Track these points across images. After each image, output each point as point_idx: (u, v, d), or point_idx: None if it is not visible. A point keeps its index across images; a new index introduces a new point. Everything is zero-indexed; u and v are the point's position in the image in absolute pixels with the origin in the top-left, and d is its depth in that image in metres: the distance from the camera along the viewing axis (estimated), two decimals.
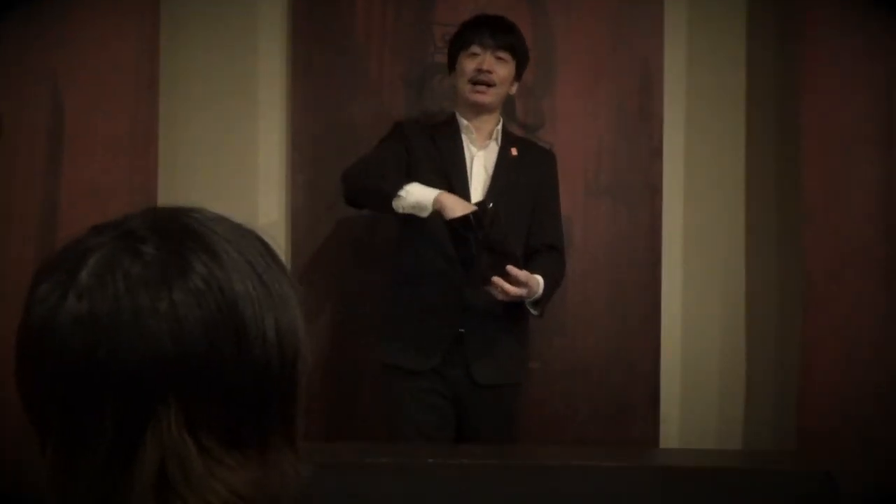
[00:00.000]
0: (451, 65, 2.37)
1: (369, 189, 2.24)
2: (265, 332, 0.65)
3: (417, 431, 2.22)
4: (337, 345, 2.66)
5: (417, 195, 2.15)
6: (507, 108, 2.65)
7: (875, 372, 2.43)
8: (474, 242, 2.08)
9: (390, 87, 2.72)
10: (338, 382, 2.66)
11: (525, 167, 2.36)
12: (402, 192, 2.15)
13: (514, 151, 2.36)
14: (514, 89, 2.38)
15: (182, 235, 0.66)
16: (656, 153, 2.72)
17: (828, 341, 2.46)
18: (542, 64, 2.72)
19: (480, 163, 2.34)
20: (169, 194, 2.56)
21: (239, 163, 2.76)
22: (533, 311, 2.27)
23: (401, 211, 2.17)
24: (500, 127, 2.37)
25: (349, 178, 2.28)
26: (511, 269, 2.12)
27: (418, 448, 2.03)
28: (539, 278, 2.21)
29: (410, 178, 2.20)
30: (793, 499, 1.57)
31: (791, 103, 2.64)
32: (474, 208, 2.10)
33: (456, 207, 2.10)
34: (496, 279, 2.12)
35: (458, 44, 2.34)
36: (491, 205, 2.13)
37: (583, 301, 2.66)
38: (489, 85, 2.28)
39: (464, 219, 2.08)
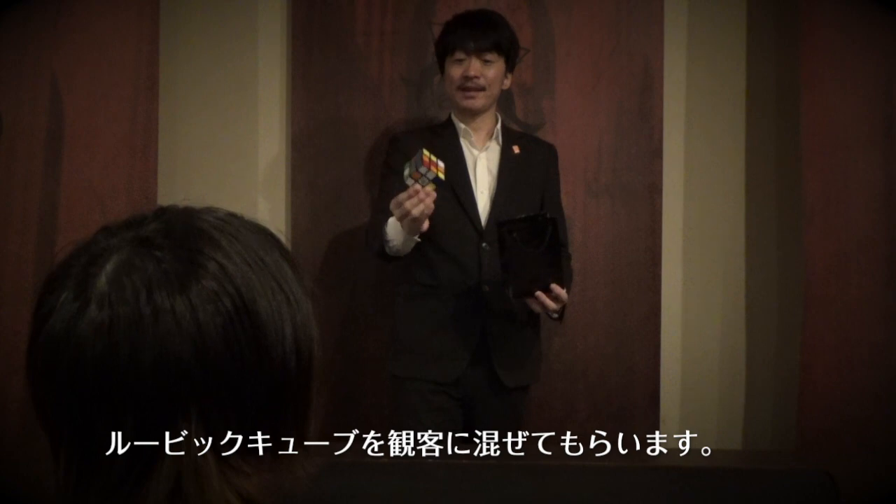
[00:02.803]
0: (441, 68, 2.32)
1: (376, 255, 2.25)
2: (284, 334, 0.65)
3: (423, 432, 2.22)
4: (337, 344, 2.66)
5: (395, 233, 2.13)
6: (507, 107, 2.65)
7: (875, 372, 2.43)
8: (524, 251, 2.04)
9: (390, 87, 2.72)
10: (338, 382, 2.66)
11: (529, 164, 2.32)
12: (390, 243, 2.14)
13: (516, 149, 2.31)
14: (508, 83, 2.32)
15: (196, 239, 0.65)
16: (656, 153, 2.72)
17: (828, 341, 2.46)
18: (542, 64, 2.72)
19: (483, 164, 2.29)
20: (169, 194, 2.56)
21: (239, 163, 2.76)
22: (553, 316, 2.22)
23: (412, 245, 2.15)
24: (499, 126, 2.32)
25: (366, 244, 2.31)
26: (556, 287, 2.09)
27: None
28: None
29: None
30: (793, 499, 1.57)
31: (791, 103, 2.64)
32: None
33: (411, 214, 2.02)
34: (540, 294, 2.08)
35: (442, 48, 2.28)
36: (549, 215, 2.08)
37: (583, 301, 2.66)
38: (479, 89, 2.23)
39: (522, 227, 2.04)
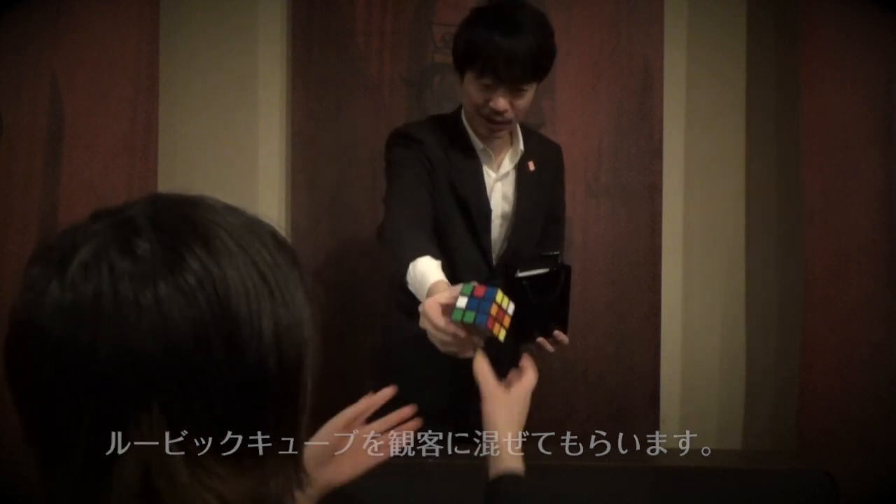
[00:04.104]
0: (457, 65, 1.93)
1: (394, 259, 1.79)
2: (261, 332, 0.62)
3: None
4: (337, 344, 2.66)
5: (417, 289, 1.65)
6: None
7: (875, 372, 2.43)
8: (534, 302, 1.81)
9: (390, 87, 2.72)
10: (337, 383, 2.66)
11: (543, 180, 2.10)
12: (409, 277, 1.67)
13: (531, 166, 2.04)
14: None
15: (182, 228, 0.63)
16: (656, 153, 2.72)
17: (828, 341, 2.46)
18: None
19: (499, 190, 2.03)
20: None
21: (239, 163, 2.76)
22: None
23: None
24: (521, 147, 2.02)
25: (383, 245, 1.90)
26: (559, 334, 1.86)
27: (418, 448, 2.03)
28: None
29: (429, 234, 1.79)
30: (793, 499, 1.57)
31: (791, 103, 2.64)
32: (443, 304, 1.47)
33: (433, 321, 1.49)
34: (542, 340, 1.84)
35: (467, 60, 1.85)
36: (560, 258, 1.84)
37: (583, 301, 2.66)
38: (506, 122, 1.90)
39: (537, 278, 1.78)
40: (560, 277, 1.84)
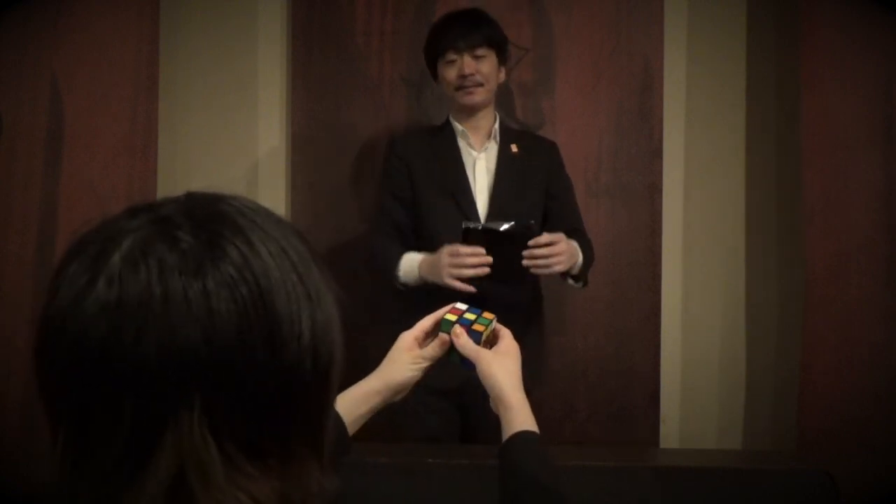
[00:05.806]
0: (433, 73, 2.31)
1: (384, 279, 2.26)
2: (301, 331, 0.62)
3: (424, 433, 2.20)
4: None
5: (409, 275, 2.18)
6: (507, 107, 2.65)
7: (875, 372, 2.43)
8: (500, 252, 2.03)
9: (390, 87, 2.72)
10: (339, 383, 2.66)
11: (529, 163, 2.28)
12: (400, 278, 2.19)
13: (514, 148, 2.28)
14: (502, 76, 2.28)
15: (218, 223, 0.63)
16: (656, 153, 2.72)
17: (828, 341, 2.46)
18: (542, 64, 2.72)
19: (482, 165, 2.26)
20: (168, 195, 2.55)
21: (239, 163, 2.76)
22: (575, 284, 2.23)
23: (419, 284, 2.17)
24: (497, 126, 2.29)
25: (370, 265, 2.37)
26: (539, 239, 2.04)
27: (418, 448, 2.03)
28: (572, 242, 2.13)
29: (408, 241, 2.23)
30: (793, 499, 1.57)
31: (791, 103, 2.64)
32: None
33: (434, 270, 2.08)
34: (527, 254, 2.02)
35: (433, 53, 2.27)
36: (532, 222, 2.07)
37: (583, 301, 2.65)
38: (477, 85, 2.22)
39: (481, 236, 2.03)
40: (524, 231, 2.01)
